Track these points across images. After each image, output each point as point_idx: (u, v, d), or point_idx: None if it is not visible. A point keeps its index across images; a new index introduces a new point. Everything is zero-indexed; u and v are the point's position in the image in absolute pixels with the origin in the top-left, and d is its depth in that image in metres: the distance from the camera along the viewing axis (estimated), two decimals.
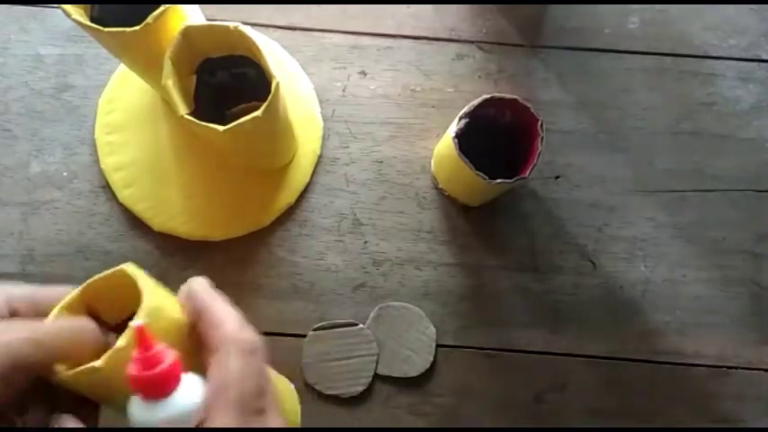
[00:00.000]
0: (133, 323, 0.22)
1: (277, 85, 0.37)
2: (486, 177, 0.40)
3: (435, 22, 0.52)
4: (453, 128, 0.41)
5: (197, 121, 0.36)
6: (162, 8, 0.35)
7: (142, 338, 0.22)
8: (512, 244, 0.49)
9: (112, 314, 0.28)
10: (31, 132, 0.49)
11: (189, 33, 0.37)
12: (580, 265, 0.49)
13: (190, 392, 0.23)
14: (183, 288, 0.27)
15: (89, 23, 0.35)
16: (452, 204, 0.49)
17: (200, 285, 0.27)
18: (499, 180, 0.40)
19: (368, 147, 0.50)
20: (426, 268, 0.48)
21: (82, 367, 0.23)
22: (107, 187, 0.48)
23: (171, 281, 0.47)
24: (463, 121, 0.41)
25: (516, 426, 0.47)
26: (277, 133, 0.43)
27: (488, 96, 0.40)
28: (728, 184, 0.50)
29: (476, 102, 0.41)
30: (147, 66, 0.41)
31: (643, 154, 0.51)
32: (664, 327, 0.48)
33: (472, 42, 0.52)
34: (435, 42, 0.52)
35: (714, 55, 0.52)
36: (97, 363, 0.23)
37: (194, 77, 0.40)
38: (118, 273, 0.26)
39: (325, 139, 0.50)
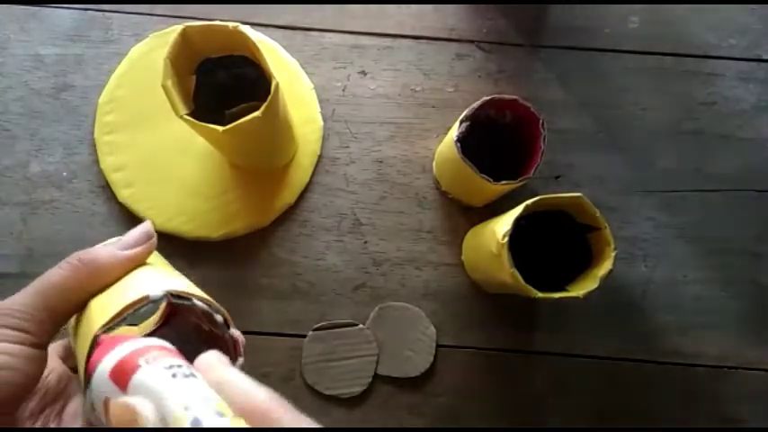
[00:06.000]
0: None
1: (276, 85, 0.36)
2: (491, 179, 0.40)
3: (435, 21, 0.52)
4: (455, 132, 0.41)
5: (196, 121, 0.36)
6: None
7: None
8: None
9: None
10: (30, 132, 0.49)
11: (188, 33, 0.37)
12: None
13: None
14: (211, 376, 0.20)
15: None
16: (453, 204, 0.49)
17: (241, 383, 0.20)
18: (504, 181, 0.40)
19: (368, 147, 0.50)
20: (426, 268, 0.48)
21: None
22: (107, 187, 0.48)
23: None
24: (464, 125, 0.41)
25: (516, 426, 0.47)
26: (277, 133, 0.43)
27: (488, 98, 0.40)
28: (729, 183, 0.50)
29: (476, 104, 0.40)
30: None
31: (643, 154, 0.51)
32: (664, 327, 0.48)
33: (472, 42, 0.52)
34: (435, 42, 0.52)
35: (714, 55, 0.52)
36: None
37: (194, 78, 0.40)
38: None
39: (325, 139, 0.50)
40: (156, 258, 0.30)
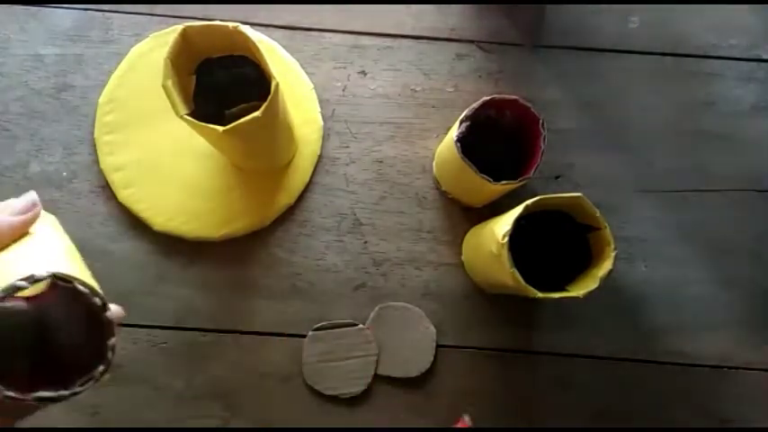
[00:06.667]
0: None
1: (276, 85, 0.36)
2: (491, 179, 0.40)
3: (435, 21, 0.52)
4: (455, 132, 0.41)
5: (196, 121, 0.36)
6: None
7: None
8: None
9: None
10: (30, 132, 0.49)
11: (188, 34, 0.37)
12: None
13: None
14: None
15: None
16: (453, 204, 0.49)
17: None
18: (504, 181, 0.40)
19: (368, 147, 0.50)
20: (426, 268, 0.48)
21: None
22: (107, 187, 0.48)
23: (171, 281, 0.48)
24: (464, 125, 0.41)
25: (516, 426, 0.47)
26: (277, 133, 0.43)
27: (488, 98, 0.40)
28: (729, 183, 0.50)
29: (476, 104, 0.40)
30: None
31: (643, 154, 0.51)
32: (664, 327, 0.48)
33: (472, 42, 0.52)
34: (435, 42, 0.52)
35: (714, 55, 0.52)
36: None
37: (194, 78, 0.40)
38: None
39: (325, 139, 0.50)
40: (54, 228, 0.33)
